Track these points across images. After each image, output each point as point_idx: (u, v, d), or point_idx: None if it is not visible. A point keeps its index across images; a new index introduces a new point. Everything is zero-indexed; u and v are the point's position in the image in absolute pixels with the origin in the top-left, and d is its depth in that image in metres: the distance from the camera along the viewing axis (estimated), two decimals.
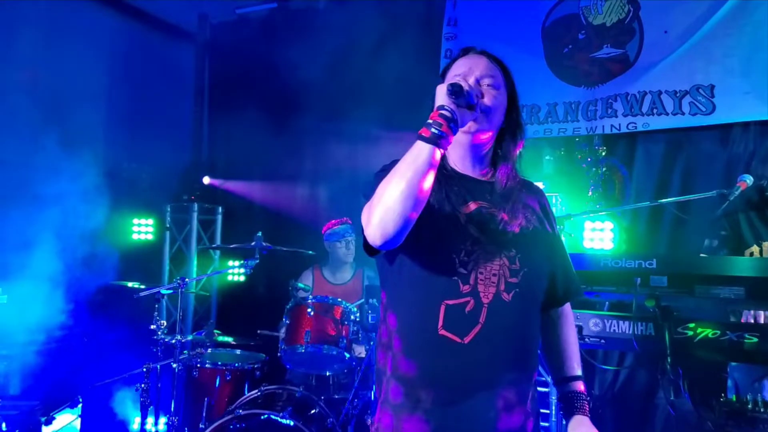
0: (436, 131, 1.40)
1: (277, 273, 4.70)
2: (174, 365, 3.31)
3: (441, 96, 1.44)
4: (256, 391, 3.53)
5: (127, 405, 4.19)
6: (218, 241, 5.49)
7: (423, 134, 1.41)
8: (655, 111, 3.98)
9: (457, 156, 1.64)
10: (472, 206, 1.58)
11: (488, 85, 1.58)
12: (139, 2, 5.60)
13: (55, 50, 5.07)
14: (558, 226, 1.83)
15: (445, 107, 1.42)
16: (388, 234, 1.40)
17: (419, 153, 1.39)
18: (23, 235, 3.88)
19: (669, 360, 2.72)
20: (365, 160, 4.94)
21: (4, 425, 3.00)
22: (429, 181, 1.40)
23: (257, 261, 3.53)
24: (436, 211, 1.52)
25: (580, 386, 1.70)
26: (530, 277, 1.57)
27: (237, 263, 3.91)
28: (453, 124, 1.42)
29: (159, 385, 3.65)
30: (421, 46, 4.89)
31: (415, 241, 1.48)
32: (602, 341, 3.00)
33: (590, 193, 4.11)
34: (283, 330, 3.60)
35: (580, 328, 3.04)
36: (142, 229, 5.22)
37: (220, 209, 5.62)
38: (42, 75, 5.00)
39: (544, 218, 1.68)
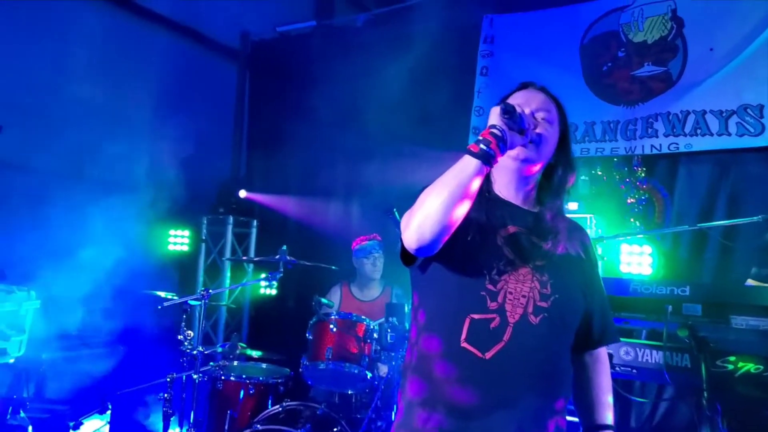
0: (485, 147, 1.44)
1: (308, 287, 4.70)
2: (195, 376, 3.33)
3: (494, 116, 1.49)
4: (278, 406, 3.51)
5: (154, 413, 4.24)
6: (252, 254, 5.55)
7: (471, 149, 1.45)
8: (698, 131, 3.81)
9: (503, 183, 1.66)
10: (511, 229, 1.60)
11: (542, 119, 1.60)
12: (186, 20, 5.78)
13: (109, 66, 5.28)
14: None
15: (497, 126, 1.46)
16: (425, 240, 1.44)
17: (465, 166, 1.44)
18: (62, 241, 4.00)
19: (706, 395, 2.55)
20: (398, 178, 4.91)
21: (30, 428, 3.06)
22: (470, 195, 1.44)
23: (281, 274, 3.53)
24: (474, 227, 1.55)
25: None
26: (561, 305, 1.55)
27: (264, 275, 3.92)
28: (502, 144, 1.45)
29: (183, 395, 3.68)
30: (457, 64, 4.86)
31: (449, 253, 1.50)
32: (633, 371, 2.86)
33: (629, 216, 3.95)
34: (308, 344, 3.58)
35: (610, 356, 2.90)
36: (178, 240, 5.32)
37: (254, 222, 5.69)
38: (96, 89, 5.21)
39: (584, 256, 1.68)
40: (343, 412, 3.57)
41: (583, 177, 3.90)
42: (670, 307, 2.51)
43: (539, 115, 1.60)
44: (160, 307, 3.32)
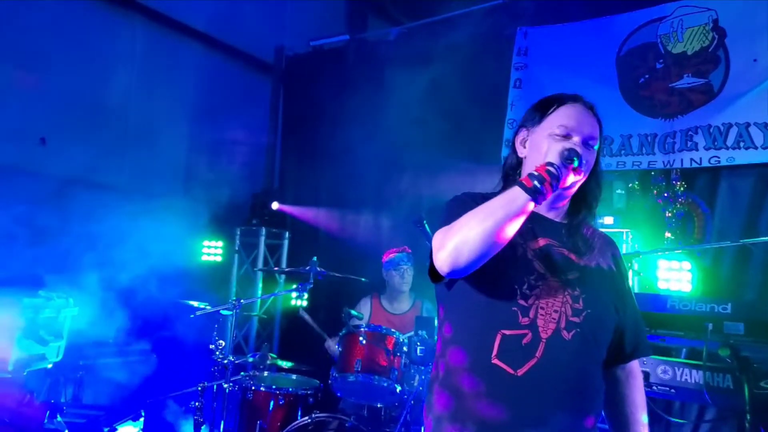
0: (538, 185, 1.41)
1: (338, 299, 4.71)
2: (225, 386, 3.35)
3: (553, 153, 1.48)
4: (307, 418, 3.51)
5: (186, 421, 4.28)
6: (283, 265, 5.59)
7: (524, 183, 1.43)
8: (741, 144, 3.69)
9: None
10: (542, 242, 1.58)
11: (591, 147, 1.60)
12: (222, 35, 5.91)
13: (147, 80, 5.43)
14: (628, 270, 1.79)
15: (554, 165, 1.44)
16: (459, 265, 1.42)
17: (515, 199, 1.42)
18: (99, 251, 4.10)
19: (749, 417, 2.44)
20: (430, 190, 4.90)
21: (67, 431, 3.13)
22: (514, 229, 1.42)
23: (311, 285, 3.54)
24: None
25: None
26: (593, 320, 1.53)
27: (295, 286, 3.95)
28: (555, 183, 1.43)
29: (214, 404, 3.71)
30: (490, 76, 4.83)
31: (480, 269, 1.46)
32: (672, 390, 2.76)
33: (666, 231, 3.84)
34: (334, 352, 3.58)
35: (646, 375, 2.82)
36: (212, 251, 5.40)
37: (286, 234, 5.73)
38: (134, 104, 5.37)
39: (615, 269, 1.67)
40: (372, 425, 3.54)
41: (619, 191, 3.82)
42: (710, 325, 2.42)
43: (590, 144, 1.60)
44: (192, 315, 3.35)
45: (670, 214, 3.79)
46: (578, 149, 1.49)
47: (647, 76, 4.11)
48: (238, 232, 5.54)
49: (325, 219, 5.46)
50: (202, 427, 3.53)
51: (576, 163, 1.46)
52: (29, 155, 4.57)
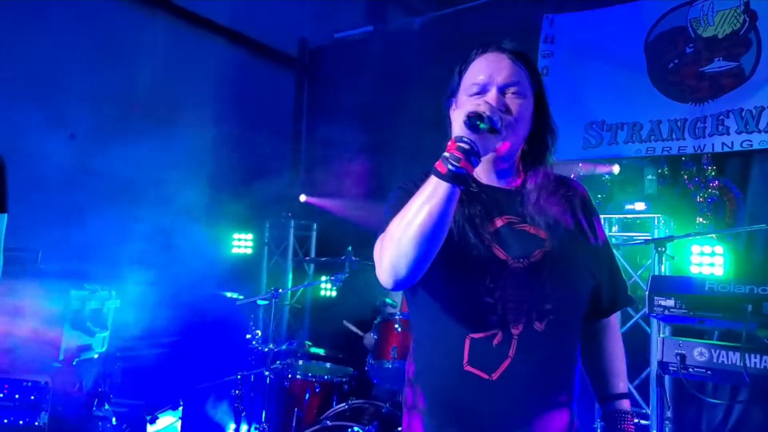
0: (453, 168, 1.21)
1: (366, 289, 4.76)
2: (267, 373, 3.43)
3: (458, 125, 1.25)
4: (344, 404, 3.59)
5: (223, 410, 4.38)
6: (312, 256, 5.67)
7: (438, 170, 1.23)
8: None
9: (481, 168, 1.45)
10: (499, 222, 1.40)
11: (513, 94, 1.39)
12: (244, 29, 5.97)
13: (172, 75, 5.51)
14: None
15: (464, 139, 1.23)
16: (400, 278, 1.26)
17: (434, 191, 1.22)
18: (136, 244, 4.20)
19: None
20: None
21: (114, 420, 3.23)
22: (446, 223, 1.24)
23: (347, 275, 3.61)
24: (457, 233, 1.35)
25: (626, 404, 1.54)
26: (567, 301, 1.39)
27: (325, 278, 4.03)
28: (474, 158, 1.23)
29: (251, 393, 3.80)
30: None
31: (435, 269, 1.29)
32: (708, 372, 2.78)
33: (698, 216, 3.84)
34: (372, 343, 3.65)
35: (683, 357, 2.84)
36: (242, 243, 5.49)
37: (314, 225, 5.81)
38: (161, 98, 5.45)
39: (586, 224, 1.49)
40: None
41: (650, 176, 3.83)
42: (750, 307, 2.43)
43: (509, 91, 1.39)
44: (238, 302, 3.45)
45: (701, 199, 3.79)
46: (483, 106, 1.26)
47: (677, 60, 4.10)
48: (268, 225, 5.62)
49: (352, 209, 5.52)
50: (242, 415, 3.62)
51: (483, 125, 1.24)
52: (64, 150, 4.67)
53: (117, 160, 4.75)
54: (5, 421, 2.89)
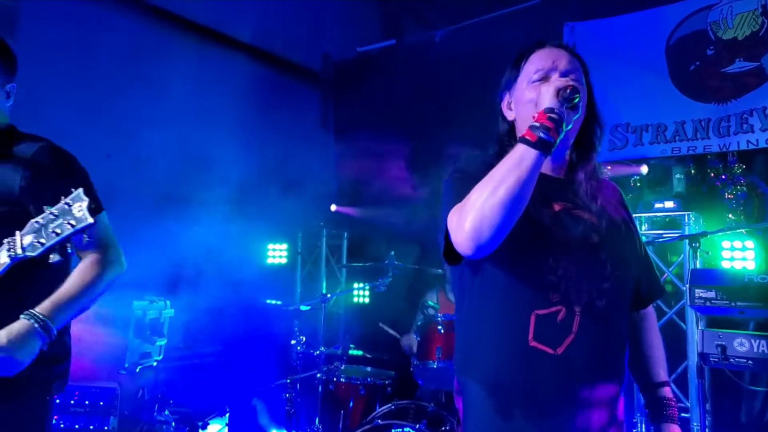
0: (544, 136, 1.31)
1: (398, 296, 4.89)
2: (319, 375, 3.56)
3: (547, 97, 1.37)
4: (390, 405, 3.71)
5: (267, 415, 4.51)
6: (344, 263, 5.83)
7: (528, 138, 1.33)
8: None
9: None
10: (557, 207, 1.49)
11: (575, 80, 1.48)
12: (268, 46, 6.15)
13: (199, 92, 5.68)
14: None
15: (555, 110, 1.34)
16: (482, 243, 1.31)
17: (523, 158, 1.31)
18: (180, 257, 4.35)
19: None
20: None
21: (173, 424, 3.38)
22: (530, 190, 1.32)
23: (390, 279, 3.74)
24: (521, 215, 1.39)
25: (668, 392, 1.62)
26: (621, 282, 1.49)
27: (359, 285, 4.20)
28: (561, 129, 1.34)
29: (299, 399, 3.93)
30: None
31: (501, 248, 1.35)
32: (749, 362, 2.89)
33: (728, 213, 3.95)
34: (414, 345, 3.78)
35: (723, 348, 2.96)
36: (276, 253, 5.65)
37: (345, 234, 5.96)
38: (189, 115, 5.62)
39: (627, 217, 1.61)
40: (451, 410, 3.73)
41: (678, 175, 3.95)
42: None
43: (571, 77, 1.49)
44: (292, 307, 3.59)
45: (731, 196, 3.90)
46: (575, 83, 1.38)
47: (698, 63, 4.23)
48: (300, 235, 5.78)
49: (381, 218, 5.67)
50: (294, 418, 3.75)
51: (577, 100, 1.36)
52: (100, 169, 4.84)
53: (151, 177, 4.93)
54: (76, 426, 3.04)
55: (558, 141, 1.34)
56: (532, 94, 1.50)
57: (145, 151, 5.13)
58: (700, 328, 3.19)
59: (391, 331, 4.28)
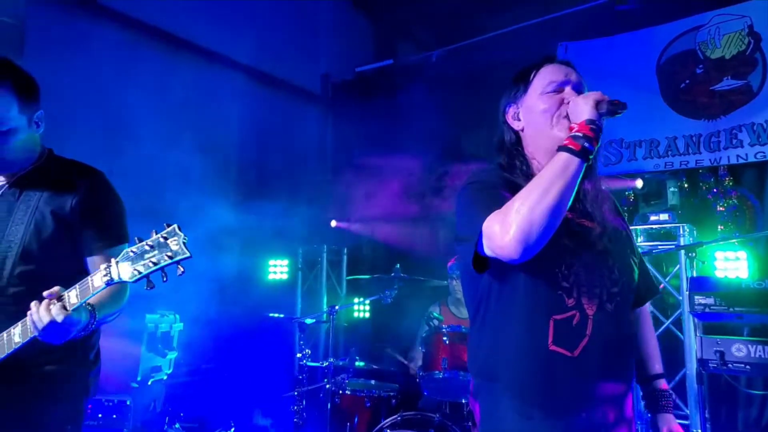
0: (587, 145, 1.40)
1: (397, 311, 4.95)
2: (328, 386, 3.61)
3: (588, 109, 1.45)
4: (397, 416, 3.75)
5: (270, 429, 4.55)
6: (344, 279, 5.90)
7: (572, 147, 1.41)
8: None
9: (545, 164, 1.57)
10: (567, 216, 1.52)
11: (582, 93, 1.60)
12: (268, 67, 6.26)
13: (201, 109, 5.77)
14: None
15: (596, 122, 1.43)
16: (530, 247, 1.37)
17: (568, 165, 1.40)
18: (186, 274, 4.39)
19: None
20: None
21: None
22: (573, 195, 1.40)
23: (396, 291, 3.82)
24: None
25: (664, 384, 1.74)
26: (627, 285, 1.59)
27: (360, 299, 4.26)
28: (599, 138, 1.43)
29: (304, 413, 3.97)
30: None
31: None
32: (747, 367, 3.00)
33: (719, 224, 4.10)
34: (419, 357, 3.84)
35: (722, 354, 3.06)
36: (278, 269, 5.71)
37: (345, 250, 6.04)
38: (188, 133, 5.69)
39: (624, 223, 1.71)
40: (456, 420, 3.78)
41: (672, 189, 4.09)
42: None
43: (581, 90, 1.61)
44: (310, 321, 3.64)
45: (722, 208, 4.05)
46: (605, 97, 1.47)
47: (688, 81, 4.41)
48: (300, 251, 5.85)
49: (379, 233, 5.76)
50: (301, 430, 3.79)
51: (620, 113, 1.45)
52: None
53: (148, 194, 4.98)
54: None
55: (597, 150, 1.43)
56: (545, 105, 1.60)
57: (145, 168, 5.19)
58: (698, 335, 3.30)
59: (400, 358, 4.35)
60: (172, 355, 3.61)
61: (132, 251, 1.53)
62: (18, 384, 1.70)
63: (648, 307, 1.83)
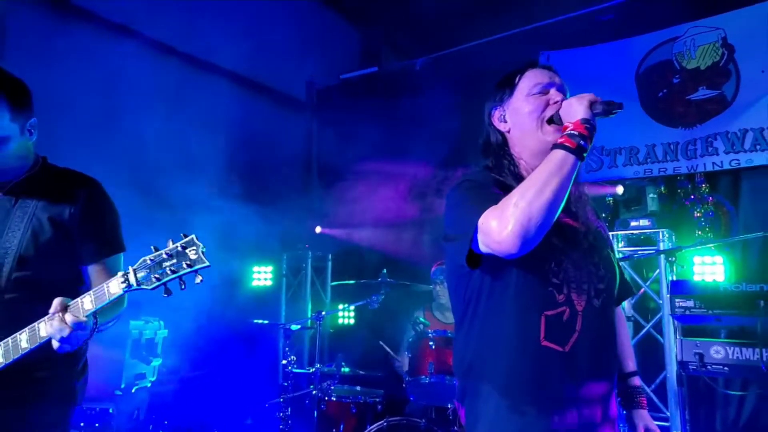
0: (582, 143, 1.45)
1: (382, 317, 4.97)
2: (315, 392, 3.62)
3: (583, 109, 1.50)
4: (383, 421, 3.75)
5: None
6: (329, 285, 5.90)
7: (568, 144, 1.45)
8: (758, 147, 4.08)
9: (533, 164, 1.61)
10: None
11: (565, 96, 1.67)
12: (253, 74, 6.26)
13: (185, 116, 5.74)
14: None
15: (591, 121, 1.49)
16: (528, 241, 1.40)
17: (564, 163, 1.44)
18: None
19: None
20: None
21: None
22: (568, 191, 1.45)
23: (383, 296, 3.84)
24: None
25: (637, 381, 1.82)
26: (611, 282, 1.64)
27: (344, 305, 4.27)
28: (593, 137, 1.49)
29: (289, 420, 3.96)
30: None
31: None
32: (725, 369, 3.07)
33: (697, 230, 4.20)
34: (405, 362, 3.86)
35: (701, 356, 3.13)
36: (262, 275, 5.69)
37: (329, 256, 6.04)
38: (174, 139, 5.66)
39: (602, 224, 1.77)
40: (442, 425, 3.80)
41: (651, 195, 4.18)
42: (762, 302, 2.75)
43: (565, 92, 1.68)
44: (296, 327, 3.64)
45: (699, 214, 4.15)
46: (599, 98, 1.53)
47: (665, 90, 4.52)
48: (285, 257, 5.84)
49: (364, 239, 5.78)
50: None
51: (615, 113, 1.51)
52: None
53: (134, 201, 4.93)
54: None
55: (590, 148, 1.49)
56: (531, 106, 1.66)
57: (129, 173, 5.14)
58: (678, 337, 3.37)
59: (389, 350, 4.36)
60: (157, 362, 3.58)
61: (149, 259, 1.56)
62: (10, 388, 1.70)
63: (625, 307, 1.90)
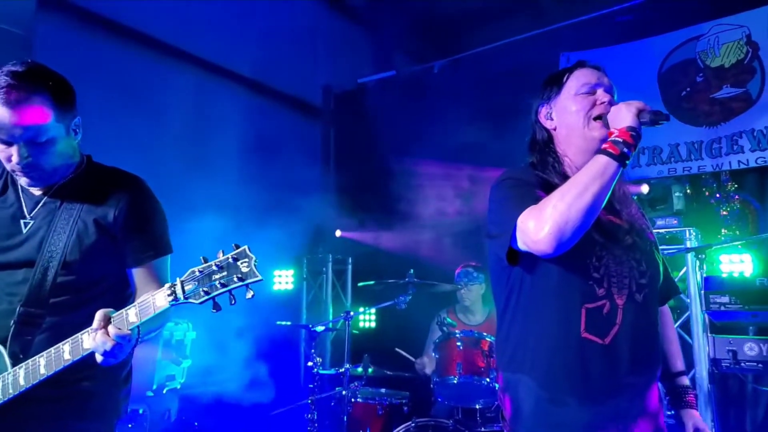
0: (626, 151, 1.48)
1: (404, 319, 4.96)
2: (344, 393, 3.61)
3: (630, 116, 1.54)
4: (410, 422, 3.75)
5: None
6: (349, 288, 5.91)
7: (611, 150, 1.48)
8: None
9: (578, 163, 1.67)
10: None
11: (613, 96, 1.73)
12: (270, 80, 6.30)
13: (202, 123, 5.78)
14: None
15: (637, 129, 1.53)
16: (564, 243, 1.45)
17: (606, 168, 1.46)
18: None
19: None
20: (481, 209, 5.22)
21: None
22: (607, 197, 1.47)
23: (410, 296, 3.84)
24: None
25: (686, 380, 1.82)
26: (654, 278, 1.66)
27: (365, 308, 4.27)
28: (638, 145, 1.53)
29: (316, 422, 3.94)
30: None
31: None
32: (759, 365, 3.05)
33: (723, 227, 4.17)
34: (429, 362, 3.86)
35: (734, 353, 3.11)
36: (283, 279, 5.70)
37: (350, 259, 6.05)
38: (190, 147, 5.70)
39: (647, 224, 1.79)
40: (469, 426, 3.79)
41: (677, 194, 4.16)
42: None
43: (613, 93, 1.73)
44: (321, 328, 3.64)
45: (726, 213, 4.13)
46: (647, 107, 1.57)
47: (689, 89, 4.51)
48: (305, 261, 5.86)
49: (384, 242, 5.78)
50: None
51: (661, 123, 1.54)
52: None
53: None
54: None
55: (633, 155, 1.52)
56: (578, 105, 1.70)
57: (153, 181, 5.17)
58: (710, 335, 3.35)
59: (406, 355, 4.37)
60: (187, 363, 3.59)
61: (198, 270, 1.48)
62: (53, 401, 1.65)
63: (667, 306, 1.90)
